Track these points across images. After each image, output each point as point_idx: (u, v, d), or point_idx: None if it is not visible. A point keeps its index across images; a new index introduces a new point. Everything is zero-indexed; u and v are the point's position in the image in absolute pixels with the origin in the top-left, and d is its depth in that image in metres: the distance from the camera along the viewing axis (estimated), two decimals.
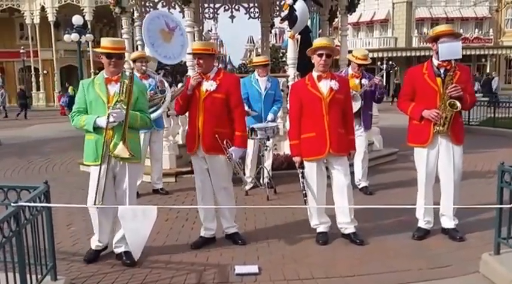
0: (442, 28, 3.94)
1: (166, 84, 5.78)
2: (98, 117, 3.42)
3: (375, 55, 30.92)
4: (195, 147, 3.88)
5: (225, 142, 3.78)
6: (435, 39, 3.86)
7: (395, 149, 8.06)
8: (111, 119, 3.35)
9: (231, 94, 3.86)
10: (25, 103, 21.46)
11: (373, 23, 34.91)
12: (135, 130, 3.66)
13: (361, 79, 5.55)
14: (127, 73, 3.64)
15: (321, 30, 9.24)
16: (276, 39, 47.42)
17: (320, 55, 3.82)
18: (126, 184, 3.55)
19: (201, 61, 3.81)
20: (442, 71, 3.83)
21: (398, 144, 8.35)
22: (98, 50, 3.58)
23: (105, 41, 3.56)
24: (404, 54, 33.15)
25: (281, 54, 39.67)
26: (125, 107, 3.39)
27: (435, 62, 3.89)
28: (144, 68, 5.63)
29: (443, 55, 3.72)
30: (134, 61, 5.71)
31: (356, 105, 5.42)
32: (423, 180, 4.02)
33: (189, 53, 3.94)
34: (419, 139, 3.96)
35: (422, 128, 3.91)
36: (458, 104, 3.76)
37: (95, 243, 3.71)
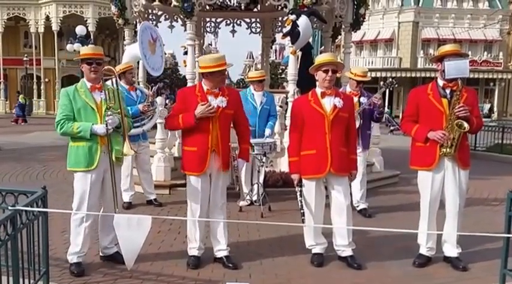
0: (447, 48, 3.97)
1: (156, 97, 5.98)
2: (93, 124, 3.63)
3: (378, 75, 31.12)
4: (206, 166, 3.80)
5: (234, 154, 3.97)
6: (440, 59, 3.90)
7: (397, 171, 8.09)
8: (109, 126, 3.61)
9: (239, 109, 4.00)
10: None
11: (377, 42, 35.23)
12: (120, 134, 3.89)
13: (359, 97, 5.60)
14: (108, 82, 3.89)
15: (323, 47, 9.40)
16: (275, 55, 47.95)
17: (326, 71, 3.86)
18: (117, 184, 3.82)
19: (219, 79, 3.81)
20: (447, 91, 3.86)
21: (400, 166, 8.41)
22: (77, 58, 3.85)
23: (85, 48, 3.88)
24: (409, 74, 33.42)
25: (280, 71, 40.05)
26: (116, 111, 3.67)
27: (440, 83, 3.91)
28: (133, 79, 5.81)
29: (450, 73, 3.73)
30: (124, 72, 5.74)
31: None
32: (427, 205, 4.00)
33: (202, 70, 3.80)
34: (424, 162, 3.94)
35: (427, 150, 3.90)
36: (466, 124, 3.75)
37: (75, 255, 3.74)
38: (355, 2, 7.86)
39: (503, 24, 33.39)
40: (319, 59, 4.00)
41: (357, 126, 5.46)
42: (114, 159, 3.71)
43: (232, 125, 4.01)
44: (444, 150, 3.83)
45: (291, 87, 7.01)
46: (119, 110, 3.71)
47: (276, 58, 46.47)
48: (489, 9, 33.84)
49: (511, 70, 34.42)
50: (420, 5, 34.25)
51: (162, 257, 4.12)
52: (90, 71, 3.70)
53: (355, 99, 5.56)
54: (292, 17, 6.52)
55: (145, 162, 6.00)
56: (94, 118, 3.66)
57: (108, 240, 3.92)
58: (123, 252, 3.11)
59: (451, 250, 4.03)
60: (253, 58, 59.64)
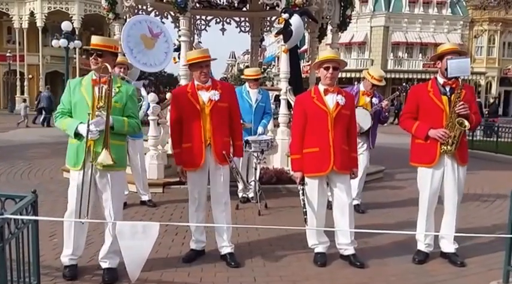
0: (447, 46, 3.77)
1: (143, 92, 5.40)
2: (80, 122, 3.11)
3: (352, 75, 31.72)
4: (202, 160, 3.57)
5: (231, 152, 3.64)
6: (440, 57, 3.70)
7: (381, 167, 7.89)
8: (92, 127, 3.03)
9: (232, 103, 3.72)
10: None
11: (352, 44, 35.41)
12: (122, 136, 3.33)
13: (371, 98, 5.36)
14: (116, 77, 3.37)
15: (310, 48, 9.09)
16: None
17: (327, 68, 3.59)
18: (109, 194, 3.23)
19: (205, 71, 3.57)
20: (447, 89, 3.65)
21: (383, 162, 8.23)
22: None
23: (93, 38, 3.31)
24: None
25: (262, 70, 39.84)
26: (105, 113, 3.08)
27: (440, 80, 3.70)
28: (121, 74, 5.11)
29: (452, 72, 3.51)
30: (114, 67, 5.33)
31: (367, 123, 5.24)
32: (426, 202, 3.77)
33: (186, 64, 3.70)
34: (425, 159, 3.71)
35: (428, 147, 3.67)
36: (466, 123, 3.56)
37: (68, 257, 3.28)
38: (342, 4, 7.67)
39: (464, 29, 33.91)
40: (321, 55, 3.72)
41: (370, 125, 5.26)
42: (96, 164, 3.11)
43: None
44: (445, 147, 3.62)
45: (283, 85, 6.69)
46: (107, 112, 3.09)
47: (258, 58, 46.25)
48: (451, 15, 34.42)
49: (471, 72, 34.94)
50: (390, 10, 34.54)
51: (160, 261, 3.66)
52: (90, 62, 3.25)
53: (367, 99, 5.34)
54: (285, 15, 6.21)
55: (135, 161, 5.39)
56: (85, 115, 3.09)
57: (101, 250, 3.37)
58: (126, 264, 2.60)
59: (448, 245, 3.82)
60: (235, 58, 59.41)
